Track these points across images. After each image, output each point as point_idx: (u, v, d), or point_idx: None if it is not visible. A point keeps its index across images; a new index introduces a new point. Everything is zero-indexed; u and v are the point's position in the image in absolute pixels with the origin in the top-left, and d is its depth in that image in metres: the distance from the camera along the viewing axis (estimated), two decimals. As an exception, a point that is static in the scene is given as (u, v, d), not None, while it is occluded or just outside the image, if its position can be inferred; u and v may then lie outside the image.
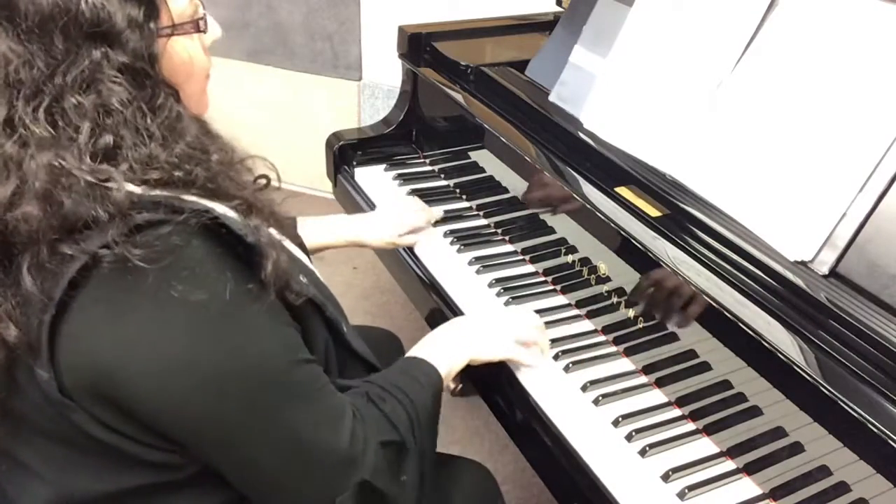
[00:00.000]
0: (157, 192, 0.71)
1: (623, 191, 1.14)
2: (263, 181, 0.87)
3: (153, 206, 0.69)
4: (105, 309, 0.69)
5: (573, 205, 1.21)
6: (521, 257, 1.36)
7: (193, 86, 0.82)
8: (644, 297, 1.09)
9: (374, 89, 2.63)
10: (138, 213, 0.68)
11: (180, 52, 0.78)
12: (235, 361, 0.73)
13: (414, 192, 1.54)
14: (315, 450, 0.79)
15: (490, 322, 1.11)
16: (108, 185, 0.67)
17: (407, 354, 1.02)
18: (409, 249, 1.39)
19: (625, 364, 1.13)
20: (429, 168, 1.64)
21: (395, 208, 1.42)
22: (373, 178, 1.62)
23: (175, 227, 0.69)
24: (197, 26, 0.79)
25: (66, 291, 0.68)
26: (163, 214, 0.69)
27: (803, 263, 0.96)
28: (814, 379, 0.85)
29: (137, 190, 0.70)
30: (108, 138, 0.68)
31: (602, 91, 1.28)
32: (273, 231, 0.83)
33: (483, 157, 1.46)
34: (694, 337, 1.02)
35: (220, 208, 0.74)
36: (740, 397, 0.96)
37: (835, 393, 0.82)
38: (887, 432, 0.78)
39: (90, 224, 0.67)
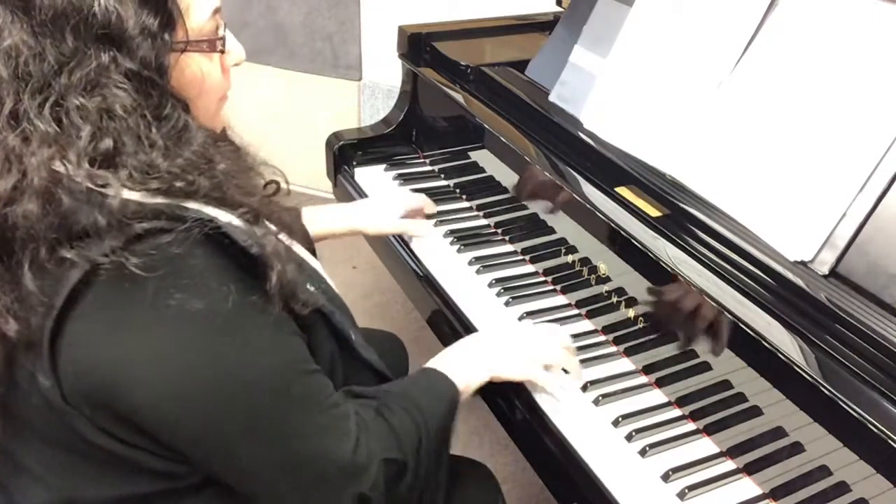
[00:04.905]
0: (159, 199, 0.70)
1: (623, 191, 1.14)
2: (273, 187, 0.86)
3: (155, 215, 0.69)
4: (105, 318, 0.69)
5: (573, 205, 1.21)
6: (521, 257, 1.36)
7: (205, 103, 0.81)
8: (644, 297, 1.09)
9: (374, 89, 2.63)
10: (139, 223, 0.67)
11: (193, 68, 0.77)
12: (236, 373, 0.72)
13: (414, 192, 1.54)
14: (317, 461, 0.79)
15: (513, 339, 1.06)
16: (105, 190, 0.67)
17: (425, 365, 1.00)
18: (409, 249, 1.39)
19: (625, 364, 1.12)
20: (429, 168, 1.64)
21: (391, 195, 1.46)
22: (373, 177, 1.62)
23: (176, 235, 0.68)
24: (214, 45, 0.79)
25: (67, 299, 0.67)
26: (164, 223, 0.68)
27: (803, 263, 0.96)
28: (814, 379, 0.84)
29: (137, 197, 0.69)
30: (109, 142, 0.68)
31: (602, 91, 1.28)
32: (283, 237, 0.82)
33: (483, 157, 1.46)
34: (694, 337, 1.02)
35: (224, 217, 0.73)
36: (740, 397, 0.96)
37: (835, 393, 0.82)
38: (887, 432, 0.78)
39: (90, 231, 0.67)
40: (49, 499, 0.78)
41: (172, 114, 0.73)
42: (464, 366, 0.99)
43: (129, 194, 0.68)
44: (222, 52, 0.81)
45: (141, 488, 0.77)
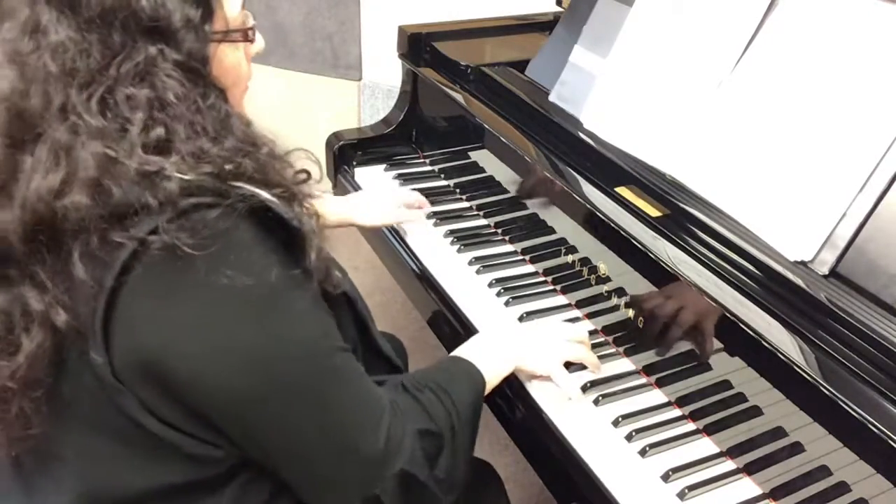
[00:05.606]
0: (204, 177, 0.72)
1: (623, 191, 1.14)
2: (304, 175, 0.87)
3: (200, 191, 0.70)
4: (155, 293, 0.70)
5: (573, 205, 1.21)
6: (521, 257, 1.36)
7: (236, 92, 0.83)
8: (644, 297, 1.09)
9: (374, 89, 2.63)
10: (186, 199, 0.69)
11: (230, 58, 0.80)
12: (280, 344, 0.74)
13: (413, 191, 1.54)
14: (355, 436, 0.80)
15: (539, 333, 1.09)
16: (160, 175, 0.68)
17: (452, 353, 1.01)
18: (410, 249, 1.39)
19: (625, 364, 1.13)
20: (429, 168, 1.64)
21: (385, 189, 1.50)
22: (373, 178, 1.62)
23: (224, 210, 0.70)
24: (246, 35, 0.81)
25: (117, 277, 0.68)
26: (210, 198, 0.70)
27: (803, 263, 0.96)
28: (814, 379, 0.85)
29: (188, 177, 0.70)
30: (160, 130, 0.69)
31: (602, 91, 1.28)
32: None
33: (483, 157, 1.46)
34: (694, 337, 1.02)
35: (265, 194, 0.75)
36: (740, 397, 0.96)
37: (835, 393, 0.82)
38: (887, 432, 0.78)
39: (139, 210, 0.68)
40: (78, 489, 0.78)
41: (216, 103, 0.75)
42: (491, 357, 1.00)
43: (181, 176, 0.70)
44: (252, 41, 0.83)
45: (172, 478, 0.77)
